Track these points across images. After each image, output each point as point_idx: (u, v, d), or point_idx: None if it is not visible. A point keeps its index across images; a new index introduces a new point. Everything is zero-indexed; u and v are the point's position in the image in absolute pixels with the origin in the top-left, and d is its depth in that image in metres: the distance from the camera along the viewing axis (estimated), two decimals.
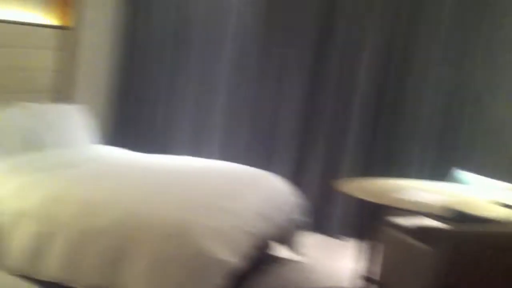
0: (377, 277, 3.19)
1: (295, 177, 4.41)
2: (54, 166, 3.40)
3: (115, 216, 2.86)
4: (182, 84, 4.88)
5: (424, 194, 3.21)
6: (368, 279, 3.28)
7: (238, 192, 3.39)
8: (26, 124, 3.70)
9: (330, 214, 4.50)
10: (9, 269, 2.86)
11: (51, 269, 2.84)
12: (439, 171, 4.05)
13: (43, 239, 2.87)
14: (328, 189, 4.31)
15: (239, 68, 4.73)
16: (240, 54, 4.72)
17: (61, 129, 3.95)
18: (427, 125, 4.30)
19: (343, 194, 3.64)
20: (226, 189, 3.38)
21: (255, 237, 3.11)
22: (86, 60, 4.59)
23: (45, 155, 3.62)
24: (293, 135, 4.59)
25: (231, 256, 2.81)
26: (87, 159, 3.71)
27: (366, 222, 3.46)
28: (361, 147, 4.43)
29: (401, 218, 3.19)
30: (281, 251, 3.87)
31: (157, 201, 3.02)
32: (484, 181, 3.59)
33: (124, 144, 4.29)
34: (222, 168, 3.88)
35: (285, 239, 3.76)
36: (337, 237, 4.47)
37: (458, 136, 4.25)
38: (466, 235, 2.77)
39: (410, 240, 3.00)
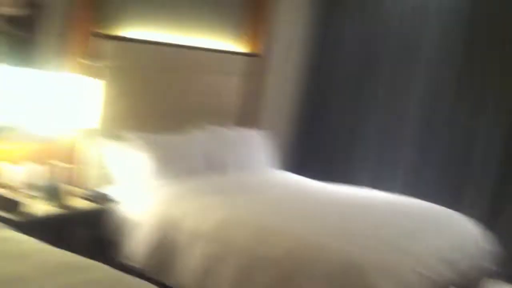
0: None
1: (488, 220, 3.97)
2: (233, 190, 3.45)
3: (287, 246, 2.79)
4: (367, 114, 4.72)
5: None
6: None
7: (420, 231, 3.12)
8: (210, 146, 3.82)
9: None
10: (181, 286, 2.95)
11: None
12: None
13: (215, 261, 2.89)
14: None
15: (430, 100, 4.45)
16: (432, 85, 4.44)
17: (243, 153, 4.02)
18: None
19: None
20: (407, 228, 3.13)
21: (435, 283, 2.81)
22: (272, 87, 4.66)
23: (225, 178, 3.70)
24: (488, 174, 4.16)
25: None
26: (266, 184, 3.71)
27: None
28: None
29: None
30: None
31: (331, 235, 2.89)
32: None
33: (304, 171, 4.23)
34: (404, 204, 3.62)
35: None
36: None
37: None
38: None
39: None
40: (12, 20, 3.15)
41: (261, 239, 2.87)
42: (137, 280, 2.08)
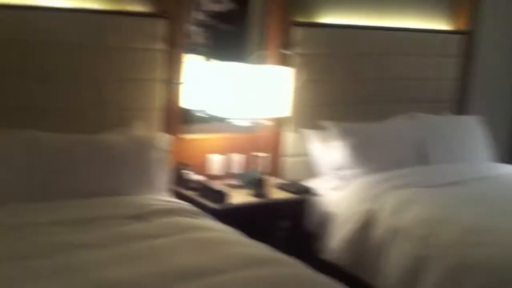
0: None
1: None
2: (438, 183, 3.17)
3: (498, 251, 2.46)
4: None
5: None
6: None
7: None
8: (414, 135, 3.53)
9: None
10: (382, 285, 2.79)
11: None
12: None
13: (418, 261, 2.65)
14: None
15: None
16: None
17: (453, 142, 3.64)
18: None
19: None
20: None
21: None
22: (486, 67, 4.19)
23: (430, 170, 3.40)
24: None
25: None
26: (478, 178, 3.34)
27: None
28: None
29: None
30: None
31: None
32: None
33: None
34: None
35: None
36: None
37: None
38: None
39: None
40: (218, 16, 3.25)
41: (468, 239, 2.58)
42: (327, 281, 1.97)
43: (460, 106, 4.13)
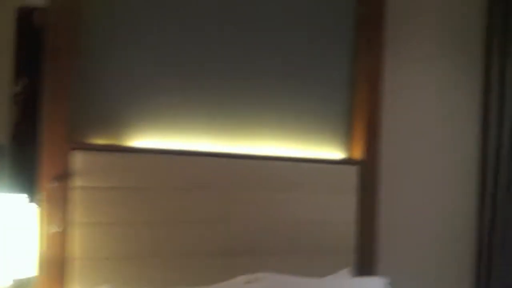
0: None
1: None
2: None
3: None
4: None
5: None
6: None
7: None
8: None
9: None
10: None
11: None
12: None
13: None
14: None
15: None
16: None
17: None
18: None
19: None
20: None
21: None
22: (391, 209, 3.14)
23: None
24: None
25: None
26: None
27: None
28: None
29: None
30: None
31: None
32: None
33: None
34: None
35: None
36: None
37: None
38: None
39: None
40: None
41: None
42: None
43: (366, 262, 2.99)
